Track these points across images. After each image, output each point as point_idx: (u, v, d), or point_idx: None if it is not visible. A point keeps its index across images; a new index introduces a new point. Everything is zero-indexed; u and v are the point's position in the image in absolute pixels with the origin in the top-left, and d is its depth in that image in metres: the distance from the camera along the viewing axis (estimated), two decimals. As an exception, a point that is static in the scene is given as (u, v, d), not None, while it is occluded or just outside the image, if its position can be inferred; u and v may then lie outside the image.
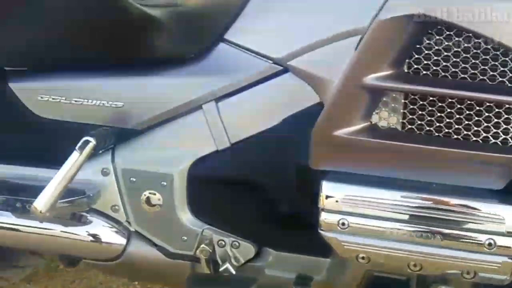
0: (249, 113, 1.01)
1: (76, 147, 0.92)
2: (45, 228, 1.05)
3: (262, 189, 0.99)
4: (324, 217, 0.89)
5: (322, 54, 0.95)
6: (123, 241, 1.07)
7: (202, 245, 1.05)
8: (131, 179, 1.04)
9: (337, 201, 0.88)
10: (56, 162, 1.03)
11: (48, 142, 1.04)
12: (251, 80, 1.00)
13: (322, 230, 0.89)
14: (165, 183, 1.02)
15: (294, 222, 1.01)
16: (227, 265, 1.03)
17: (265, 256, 1.05)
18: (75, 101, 1.02)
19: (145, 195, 1.04)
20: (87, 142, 0.92)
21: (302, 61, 0.96)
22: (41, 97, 1.02)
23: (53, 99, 1.02)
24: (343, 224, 0.88)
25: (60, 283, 1.61)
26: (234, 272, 1.03)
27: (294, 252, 1.04)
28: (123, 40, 1.00)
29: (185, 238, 1.04)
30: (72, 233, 1.06)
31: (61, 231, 1.06)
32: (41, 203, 0.91)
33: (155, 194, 1.03)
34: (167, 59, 1.03)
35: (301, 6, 0.99)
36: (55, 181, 0.92)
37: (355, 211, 0.87)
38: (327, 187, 0.88)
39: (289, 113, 0.98)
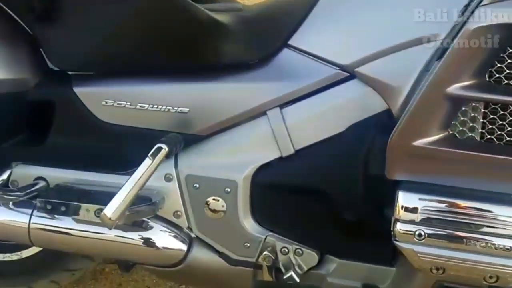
0: (314, 119, 0.99)
1: (149, 154, 0.92)
2: (107, 234, 1.05)
3: (327, 196, 0.98)
4: (399, 227, 0.87)
5: (391, 61, 0.94)
6: (184, 247, 1.07)
7: (265, 252, 1.04)
8: (195, 185, 1.03)
9: (413, 212, 0.86)
10: (120, 167, 1.04)
11: (112, 147, 1.04)
12: (316, 86, 0.99)
13: (397, 240, 0.88)
14: (229, 190, 1.02)
15: (359, 230, 0.99)
16: (291, 272, 1.02)
17: (328, 264, 1.04)
18: (140, 106, 1.02)
19: (208, 201, 1.03)
20: (160, 149, 0.92)
21: (370, 68, 0.95)
22: (106, 102, 1.03)
23: (118, 104, 1.02)
24: (419, 235, 0.86)
25: (107, 286, 1.62)
26: (298, 280, 1.01)
27: (358, 261, 1.02)
28: (190, 45, 1.00)
29: (248, 245, 1.04)
30: (134, 239, 1.06)
31: (123, 237, 1.06)
32: (111, 210, 0.91)
33: (218, 200, 1.03)
34: (231, 65, 1.02)
35: (368, 12, 0.98)
36: (126, 188, 0.91)
37: (432, 222, 0.86)
38: (403, 198, 0.87)
39: (355, 119, 0.97)
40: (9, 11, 1.04)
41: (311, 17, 1.01)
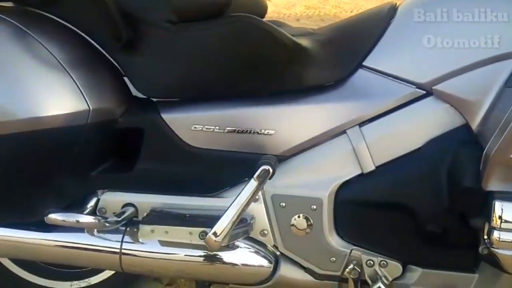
0: (393, 136, 1.05)
1: (254, 176, 0.95)
2: (201, 256, 1.06)
3: (409, 209, 1.03)
4: (496, 235, 0.92)
5: (470, 78, 1.00)
6: (270, 265, 1.09)
7: (350, 266, 1.08)
8: (281, 204, 1.07)
9: (510, 221, 0.92)
10: (207, 190, 1.07)
11: (200, 171, 1.06)
12: (393, 104, 1.05)
13: (494, 248, 0.93)
14: (314, 207, 1.06)
15: (441, 240, 1.04)
16: (379, 284, 1.06)
17: (412, 274, 1.08)
18: (228, 129, 1.05)
19: (294, 219, 1.07)
20: (265, 170, 0.94)
21: (448, 86, 1.01)
22: (195, 127, 1.05)
23: (206, 128, 1.05)
24: (517, 242, 0.92)
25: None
26: (386, 291, 1.06)
27: (440, 269, 1.07)
28: (275, 70, 1.04)
29: (334, 259, 1.07)
30: (224, 260, 1.07)
31: (214, 258, 1.07)
32: (218, 232, 0.94)
33: (304, 218, 1.06)
34: (311, 87, 1.07)
35: (442, 32, 1.03)
36: (231, 210, 0.94)
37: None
38: (499, 207, 0.92)
39: (433, 135, 1.03)
40: (92, 41, 1.06)
41: (385, 39, 1.07)
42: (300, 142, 1.06)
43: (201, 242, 0.98)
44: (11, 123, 0.93)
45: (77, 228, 1.07)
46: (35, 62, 0.96)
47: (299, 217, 1.07)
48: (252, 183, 0.95)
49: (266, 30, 1.02)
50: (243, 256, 1.09)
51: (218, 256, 1.07)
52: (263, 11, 1.26)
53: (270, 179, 0.96)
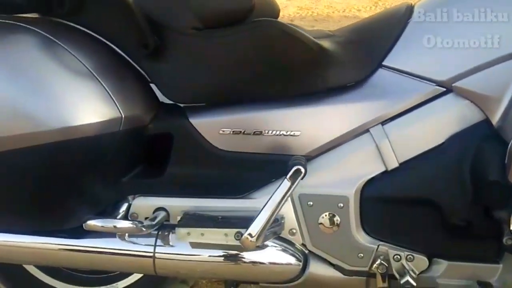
0: (415, 133, 1.08)
1: (287, 176, 0.97)
2: (234, 257, 1.09)
3: (433, 203, 1.06)
4: (524, 226, 0.96)
5: (489, 74, 1.03)
6: (299, 262, 1.12)
7: (378, 261, 1.10)
8: (308, 203, 1.09)
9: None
10: (236, 192, 1.09)
11: (229, 173, 1.09)
12: (414, 102, 1.08)
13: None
14: (341, 205, 1.08)
15: (466, 233, 1.07)
16: (408, 277, 1.08)
17: (438, 267, 1.11)
18: (255, 132, 1.07)
19: (322, 217, 1.09)
20: (298, 171, 0.97)
21: (468, 83, 1.04)
22: (223, 131, 1.07)
23: (234, 132, 1.07)
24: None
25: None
26: (415, 284, 1.08)
27: (465, 261, 1.10)
28: (300, 72, 1.07)
29: (361, 255, 1.10)
30: (254, 259, 1.10)
31: (242, 257, 1.10)
32: (253, 232, 0.96)
33: (332, 216, 1.09)
34: (333, 88, 1.09)
35: (461, 30, 1.06)
36: (266, 210, 0.97)
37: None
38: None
39: (453, 131, 1.06)
40: (117, 49, 1.08)
41: (403, 38, 1.10)
42: (325, 142, 1.09)
43: (236, 243, 1.00)
44: (45, 133, 0.94)
45: (107, 234, 1.09)
46: (66, 71, 0.97)
47: (326, 215, 1.09)
48: (285, 184, 0.97)
49: (291, 34, 1.05)
50: (273, 255, 1.11)
51: (249, 256, 1.10)
52: (276, 14, 1.28)
53: (302, 179, 0.98)
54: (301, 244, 1.12)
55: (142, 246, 1.08)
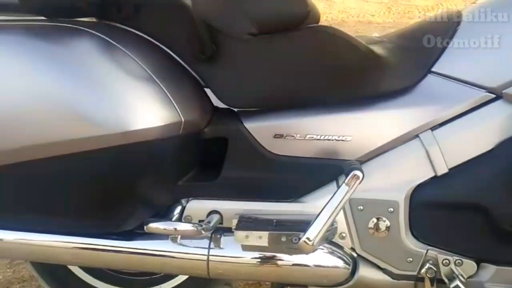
0: (464, 139, 1.09)
1: (345, 181, 0.99)
2: (279, 259, 1.11)
3: (482, 208, 1.07)
4: None
5: None
6: (349, 266, 1.13)
7: (427, 265, 1.11)
8: (359, 207, 1.10)
9: None
10: (289, 196, 1.11)
11: (282, 177, 1.10)
12: (464, 108, 1.09)
13: None
14: (392, 209, 1.10)
15: None
16: (457, 282, 1.09)
17: (486, 271, 1.12)
18: (309, 137, 1.09)
19: (372, 221, 1.11)
20: (356, 176, 0.98)
21: None
22: (276, 135, 1.09)
23: (288, 136, 1.09)
24: None
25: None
26: (465, 289, 1.09)
27: None
28: (353, 77, 1.09)
29: (410, 259, 1.11)
30: (304, 262, 1.11)
31: (294, 260, 1.11)
32: (312, 236, 0.97)
33: (382, 220, 1.10)
34: (384, 93, 1.11)
35: (509, 37, 1.08)
36: (324, 214, 0.98)
37: None
38: None
39: (503, 137, 1.07)
40: (171, 53, 1.09)
41: (452, 44, 1.11)
42: (376, 147, 1.11)
43: (292, 246, 1.01)
44: (108, 137, 0.96)
45: (158, 236, 1.11)
46: (127, 75, 0.98)
47: (376, 219, 1.10)
48: (343, 188, 0.99)
49: (346, 40, 1.07)
50: (323, 258, 1.12)
51: (300, 259, 1.11)
52: (317, 19, 1.30)
53: (359, 183, 0.99)
54: (350, 248, 1.13)
55: (196, 249, 1.09)
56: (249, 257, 1.10)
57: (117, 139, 0.96)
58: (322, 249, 1.12)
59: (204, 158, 1.14)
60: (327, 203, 0.99)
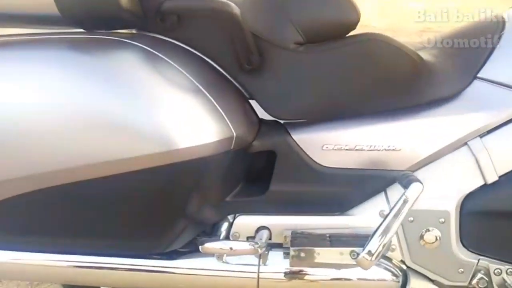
0: None
1: (406, 193, 0.96)
2: (326, 274, 1.07)
3: None
4: None
5: None
6: (398, 279, 1.10)
7: (478, 275, 1.09)
8: (409, 218, 1.08)
9: None
10: (339, 208, 1.08)
11: (331, 190, 1.07)
12: None
13: None
14: (443, 220, 1.07)
15: None
16: (510, 292, 1.08)
17: None
18: (358, 147, 1.06)
19: (423, 233, 1.08)
20: (416, 188, 0.95)
21: None
22: (325, 147, 1.06)
23: (336, 147, 1.06)
24: None
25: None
26: (518, 298, 1.08)
27: None
28: (404, 85, 1.06)
29: (462, 270, 1.09)
30: (354, 275, 1.08)
31: (346, 275, 1.08)
32: (372, 250, 0.95)
33: (433, 231, 1.08)
34: (432, 101, 1.09)
35: None
36: (384, 228, 0.95)
37: None
38: None
39: None
40: (217, 66, 1.06)
41: (498, 50, 1.09)
42: (425, 156, 1.08)
43: (350, 262, 0.98)
44: (158, 155, 0.91)
45: (202, 254, 1.06)
46: (177, 89, 0.94)
47: (427, 230, 1.08)
48: (403, 201, 0.96)
49: (397, 47, 1.04)
50: (373, 272, 1.09)
51: (350, 273, 1.08)
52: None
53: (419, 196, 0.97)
54: (400, 260, 1.11)
55: (246, 266, 1.05)
56: (300, 273, 1.06)
57: (169, 157, 0.92)
58: (374, 261, 1.09)
59: (249, 172, 1.10)
60: (386, 217, 0.96)
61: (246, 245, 0.97)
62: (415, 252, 1.10)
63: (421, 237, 1.08)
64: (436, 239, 1.08)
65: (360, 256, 0.96)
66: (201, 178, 0.97)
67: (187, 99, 0.94)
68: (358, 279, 1.09)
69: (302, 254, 0.98)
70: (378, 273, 1.10)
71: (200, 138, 0.93)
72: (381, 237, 0.95)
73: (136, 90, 0.93)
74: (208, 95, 0.96)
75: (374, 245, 0.95)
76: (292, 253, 0.98)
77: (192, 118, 0.94)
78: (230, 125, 0.97)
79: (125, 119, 0.91)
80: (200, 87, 0.96)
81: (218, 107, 0.96)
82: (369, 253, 0.95)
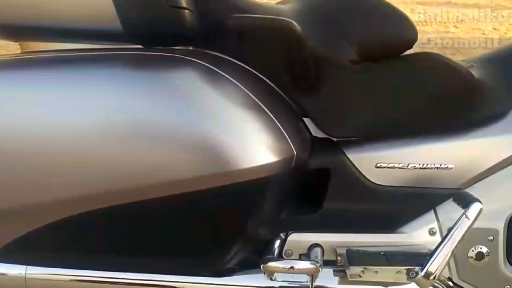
0: None
1: (466, 213, 0.97)
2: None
3: None
4: None
5: None
6: (445, 296, 1.11)
7: (525, 292, 1.11)
8: (459, 236, 1.09)
9: None
10: (391, 227, 1.08)
11: (383, 208, 1.08)
12: None
13: None
14: (491, 238, 1.08)
15: None
16: (558, 308, 1.09)
17: None
18: (411, 166, 1.07)
19: (472, 250, 1.09)
20: (477, 208, 0.96)
21: None
22: (379, 165, 1.06)
23: (389, 165, 1.06)
24: None
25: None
26: None
27: None
28: (458, 104, 1.08)
29: (508, 287, 1.10)
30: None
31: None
32: (433, 270, 0.95)
33: (481, 249, 1.09)
34: (483, 118, 1.10)
35: None
36: (444, 248, 0.96)
37: None
38: None
39: None
40: (270, 83, 1.05)
41: None
42: (476, 174, 1.09)
43: (406, 281, 0.99)
44: (218, 175, 0.91)
45: (250, 271, 1.06)
46: (239, 106, 0.94)
47: (476, 248, 1.09)
48: (465, 221, 0.97)
49: (451, 65, 1.05)
50: (420, 288, 1.10)
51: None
52: None
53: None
54: (447, 277, 1.12)
55: (297, 284, 1.05)
56: (351, 291, 1.06)
57: (233, 177, 0.91)
58: (420, 279, 1.10)
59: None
60: (445, 237, 0.97)
61: (308, 264, 0.97)
62: (463, 269, 1.10)
63: (470, 255, 1.09)
64: (484, 257, 1.09)
65: (418, 276, 0.96)
66: (262, 198, 0.97)
67: (250, 118, 0.94)
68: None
69: (362, 272, 0.98)
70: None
71: (263, 157, 0.93)
72: (441, 257, 0.96)
73: (199, 109, 0.92)
74: (269, 113, 0.95)
75: (434, 265, 0.96)
76: (351, 271, 0.98)
77: (256, 137, 0.94)
78: (291, 143, 0.96)
79: (190, 138, 0.91)
80: (262, 105, 0.95)
81: (279, 125, 0.96)
82: (429, 273, 0.95)
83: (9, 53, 1.13)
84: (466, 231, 0.97)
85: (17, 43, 1.16)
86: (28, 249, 1.02)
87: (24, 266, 1.04)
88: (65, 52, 1.04)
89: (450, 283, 1.12)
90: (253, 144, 0.93)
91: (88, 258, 1.04)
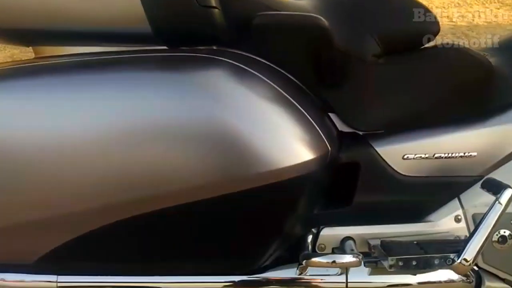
0: None
1: (499, 199, 0.99)
2: (402, 280, 1.09)
3: None
4: None
5: None
6: (472, 279, 1.13)
7: (551, 274, 1.15)
8: (482, 221, 1.11)
9: None
10: (417, 216, 1.10)
11: (411, 198, 1.09)
12: None
13: None
14: (515, 221, 1.12)
15: None
16: None
17: None
18: (437, 155, 1.09)
19: (496, 234, 1.12)
20: (509, 192, 0.99)
21: None
22: (406, 156, 1.08)
23: (416, 156, 1.08)
24: None
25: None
26: None
27: None
28: (480, 93, 1.10)
29: (532, 268, 1.14)
30: (427, 279, 1.10)
31: (415, 280, 1.10)
32: (469, 257, 0.98)
33: (505, 233, 1.12)
34: (504, 105, 1.12)
35: None
36: (479, 234, 0.99)
37: None
38: None
39: None
40: (295, 80, 1.05)
41: None
42: (497, 160, 1.12)
43: (444, 268, 1.01)
44: (261, 175, 0.91)
45: (282, 267, 1.07)
46: (274, 105, 0.94)
47: (500, 232, 1.12)
48: (498, 206, 0.99)
49: (472, 55, 1.07)
50: (447, 274, 1.12)
51: (427, 277, 1.10)
52: None
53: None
54: (472, 261, 1.14)
55: (333, 277, 1.06)
56: (386, 281, 1.08)
57: (272, 177, 0.91)
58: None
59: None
60: (480, 223, 0.99)
61: (350, 258, 0.98)
62: (488, 253, 1.13)
63: (494, 239, 1.12)
64: (508, 240, 1.12)
65: (456, 263, 0.98)
66: (298, 195, 0.97)
67: (284, 116, 0.94)
68: (436, 282, 1.11)
69: (400, 263, 1.00)
70: (452, 275, 1.12)
71: (302, 155, 0.93)
72: (476, 243, 0.98)
73: (233, 108, 0.92)
74: (302, 110, 0.96)
75: (471, 252, 0.98)
76: (390, 262, 1.00)
77: (293, 135, 0.94)
78: (325, 140, 0.97)
79: (225, 138, 0.90)
80: (294, 102, 0.95)
81: (313, 122, 0.96)
82: (466, 259, 0.98)
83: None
84: (500, 217, 0.99)
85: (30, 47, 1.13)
86: (59, 258, 1.00)
87: (56, 276, 1.02)
88: (84, 56, 1.02)
89: (476, 268, 1.15)
90: (291, 142, 0.93)
91: (117, 265, 1.03)
